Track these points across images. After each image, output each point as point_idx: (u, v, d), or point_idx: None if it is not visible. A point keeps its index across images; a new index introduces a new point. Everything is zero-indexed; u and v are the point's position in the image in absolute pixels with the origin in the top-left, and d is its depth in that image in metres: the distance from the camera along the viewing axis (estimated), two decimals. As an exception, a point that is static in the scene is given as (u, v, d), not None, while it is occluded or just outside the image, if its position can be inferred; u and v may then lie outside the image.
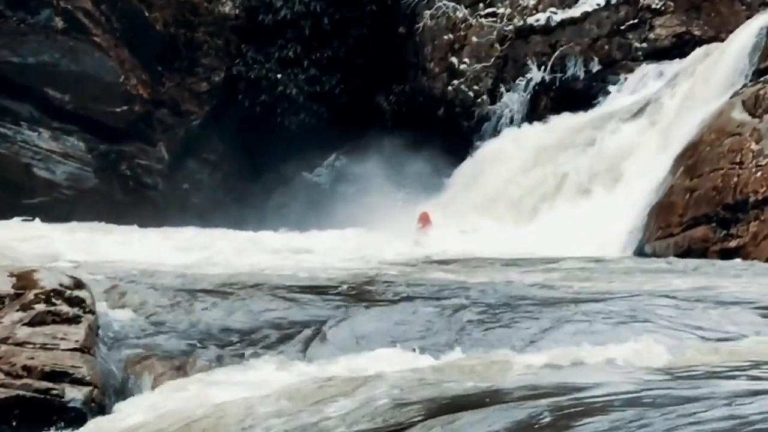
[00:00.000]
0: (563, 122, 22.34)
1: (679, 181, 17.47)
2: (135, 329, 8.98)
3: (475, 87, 24.69)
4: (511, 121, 24.02)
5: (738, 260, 15.30)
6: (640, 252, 17.36)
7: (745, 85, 18.22)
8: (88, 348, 7.98)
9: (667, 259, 15.70)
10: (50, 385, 7.56)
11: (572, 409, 5.13)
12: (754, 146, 16.64)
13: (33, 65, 24.40)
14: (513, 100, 24.11)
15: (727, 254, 15.88)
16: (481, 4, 25.21)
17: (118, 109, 25.18)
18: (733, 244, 16.14)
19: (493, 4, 25.07)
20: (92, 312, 8.43)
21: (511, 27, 24.56)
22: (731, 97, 18.00)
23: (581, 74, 23.35)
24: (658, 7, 22.97)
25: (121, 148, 25.49)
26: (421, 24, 25.79)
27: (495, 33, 24.69)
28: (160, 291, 10.20)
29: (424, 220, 21.26)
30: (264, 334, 8.73)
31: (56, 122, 24.75)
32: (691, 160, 17.48)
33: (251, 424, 5.99)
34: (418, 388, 6.18)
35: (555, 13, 23.93)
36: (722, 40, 20.96)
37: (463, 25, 25.20)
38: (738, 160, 16.67)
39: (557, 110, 22.94)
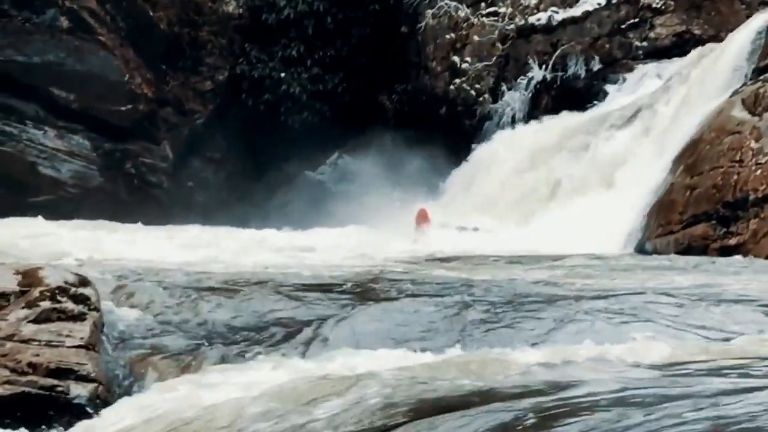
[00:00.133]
0: (559, 123, 22.37)
1: (680, 179, 17.47)
2: (139, 327, 8.91)
3: (477, 86, 24.75)
4: (513, 120, 24.07)
5: (738, 257, 15.31)
6: (640, 249, 17.36)
7: (744, 84, 18.22)
8: (93, 345, 7.95)
9: (667, 257, 15.73)
10: (55, 382, 7.52)
11: (558, 410, 5.12)
12: (753, 144, 16.63)
13: (38, 64, 24.44)
14: (514, 98, 24.14)
15: (727, 251, 15.90)
16: (482, 4, 25.27)
17: (123, 108, 25.24)
18: (733, 241, 16.16)
19: (494, 4, 25.14)
20: (97, 309, 8.40)
21: (512, 26, 24.61)
22: (731, 96, 17.98)
23: (582, 73, 23.40)
24: (659, 6, 22.99)
25: (126, 146, 25.54)
26: (423, 23, 25.87)
27: (496, 32, 24.74)
28: (165, 289, 10.09)
29: (422, 217, 21.30)
30: (266, 333, 8.62)
31: (61, 121, 24.78)
32: (692, 158, 17.48)
33: (240, 428, 5.97)
34: (409, 387, 6.16)
35: (556, 13, 23.97)
36: (722, 39, 20.95)
37: (465, 24, 25.26)
38: (738, 158, 16.66)
39: (558, 109, 22.97)
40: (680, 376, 6.06)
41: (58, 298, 8.26)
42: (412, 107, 26.38)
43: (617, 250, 17.40)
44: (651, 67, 22.30)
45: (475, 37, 25.02)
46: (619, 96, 22.16)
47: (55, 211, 22.05)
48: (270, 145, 26.17)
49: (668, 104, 20.19)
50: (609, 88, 22.60)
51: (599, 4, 23.47)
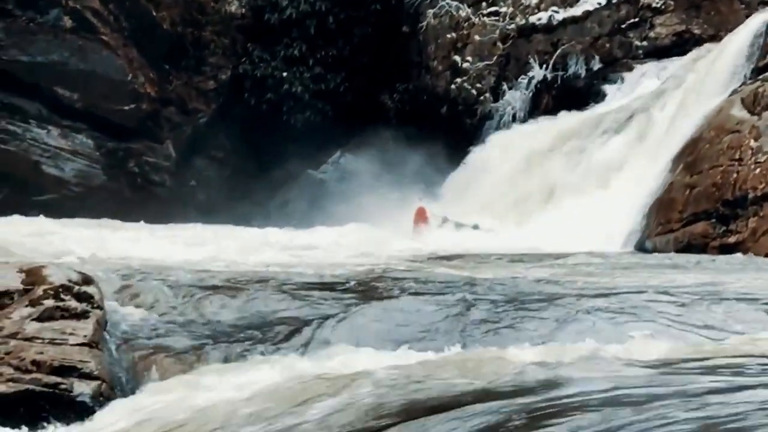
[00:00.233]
0: (554, 126, 22.40)
1: (679, 177, 17.57)
2: (142, 325, 8.91)
3: (478, 85, 24.78)
4: (514, 119, 24.10)
5: (738, 255, 15.40)
6: (640, 247, 17.46)
7: (744, 83, 18.30)
8: (96, 343, 7.95)
9: (668, 255, 15.82)
10: (59, 379, 7.55)
11: (548, 410, 5.13)
12: (753, 143, 16.74)
13: (42, 64, 24.45)
14: (515, 97, 24.19)
15: (726, 250, 16.01)
16: (483, 3, 25.29)
17: (126, 108, 25.27)
18: (732, 239, 16.28)
19: (495, 3, 25.16)
20: (100, 307, 8.39)
21: (513, 26, 24.64)
22: (730, 95, 18.07)
23: (582, 72, 23.46)
24: (659, 6, 23.01)
25: (129, 145, 25.56)
26: (424, 23, 25.91)
27: (497, 32, 24.78)
28: (169, 287, 10.09)
29: (421, 216, 21.33)
30: (268, 332, 8.65)
31: (65, 120, 24.79)
32: (691, 157, 17.57)
33: (231, 431, 6.00)
34: (403, 387, 6.17)
35: (557, 12, 23.99)
36: (721, 39, 21.01)
37: (466, 23, 25.29)
38: (737, 156, 16.78)
39: (559, 108, 23.00)
40: (674, 375, 6.07)
41: (62, 296, 8.27)
42: (413, 106, 26.40)
43: (617, 248, 17.46)
44: (650, 66, 22.32)
45: (476, 37, 25.05)
46: (618, 96, 22.17)
47: (58, 210, 22.13)
48: (272, 144, 26.16)
49: (663, 109, 20.20)
50: (608, 88, 22.61)
51: (599, 3, 23.50)
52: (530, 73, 24.09)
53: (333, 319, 8.88)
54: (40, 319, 8.01)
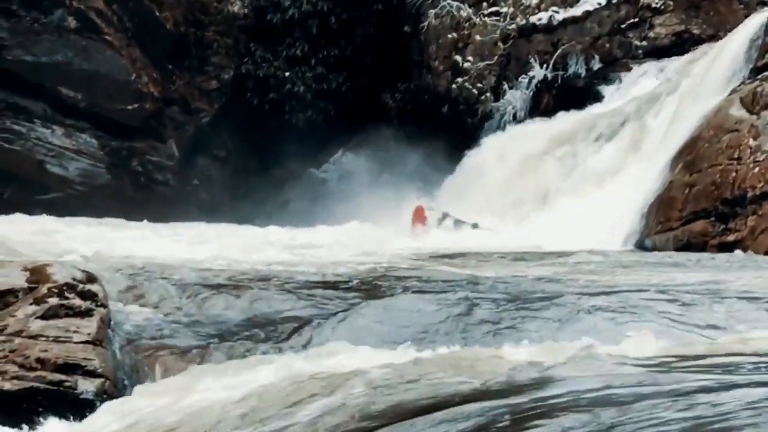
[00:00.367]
0: (549, 129, 22.47)
1: (679, 176, 17.58)
2: (146, 323, 8.95)
3: (479, 84, 24.77)
4: (515, 118, 24.13)
5: (738, 253, 15.45)
6: (640, 246, 17.47)
7: (742, 83, 18.31)
8: (100, 341, 8.01)
9: (669, 253, 15.84)
10: (63, 377, 7.63)
11: (536, 410, 5.12)
12: (751, 142, 16.75)
13: (46, 64, 24.45)
14: (516, 97, 24.17)
15: (725, 248, 16.03)
16: (484, 4, 25.25)
17: (130, 107, 25.27)
18: (731, 238, 16.30)
19: (496, 4, 25.14)
20: (104, 305, 8.44)
21: (514, 26, 24.63)
22: (729, 95, 18.08)
23: (582, 72, 23.43)
24: (658, 6, 22.99)
25: (133, 144, 25.57)
26: (425, 23, 25.89)
27: (498, 32, 24.77)
28: (172, 286, 10.13)
29: (419, 215, 21.38)
30: (270, 331, 8.67)
31: (69, 120, 24.80)
32: (690, 156, 17.58)
33: None
34: (395, 387, 6.16)
35: (557, 12, 23.97)
36: (720, 39, 21.02)
37: (467, 24, 25.26)
38: (736, 156, 16.79)
39: (560, 107, 23.01)
40: (666, 373, 6.05)
41: (66, 294, 8.32)
42: (414, 106, 26.39)
43: (618, 246, 17.48)
44: (649, 66, 22.30)
45: (477, 37, 25.03)
46: (617, 96, 22.18)
47: (62, 209, 22.21)
48: (274, 143, 26.14)
49: (658, 116, 20.20)
50: (608, 88, 22.63)
51: (599, 3, 23.47)
52: (531, 73, 24.06)
53: (334, 318, 8.91)
54: (44, 317, 8.07)
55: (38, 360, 7.70)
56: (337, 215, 22.61)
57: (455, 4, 25.46)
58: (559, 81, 23.69)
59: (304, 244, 17.95)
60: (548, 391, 5.54)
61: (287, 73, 26.78)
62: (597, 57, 23.40)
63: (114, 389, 7.78)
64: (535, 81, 24.05)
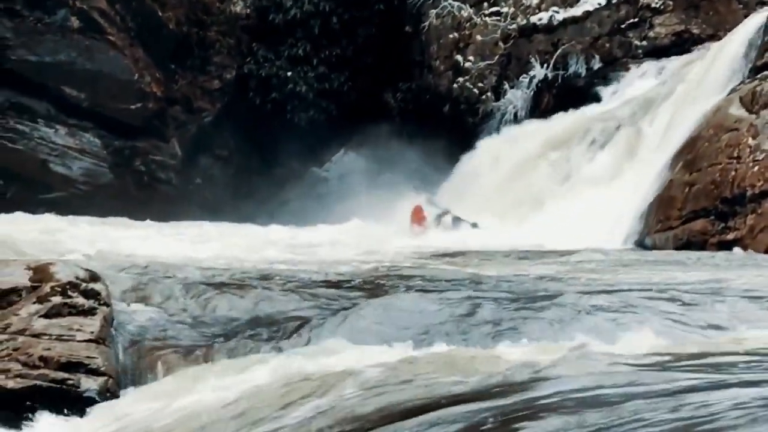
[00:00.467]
0: (543, 133, 22.50)
1: (679, 175, 17.57)
2: (148, 322, 8.97)
3: (480, 84, 24.80)
4: (515, 117, 24.17)
5: (738, 251, 15.47)
6: (640, 244, 17.47)
7: (742, 82, 18.33)
8: (103, 339, 8.06)
9: (670, 252, 15.85)
10: (66, 375, 7.68)
11: (524, 411, 5.10)
12: (751, 141, 16.75)
13: (50, 64, 24.47)
14: (517, 96, 24.18)
15: (725, 246, 16.02)
16: (485, 4, 25.26)
17: (133, 107, 25.30)
18: (730, 236, 16.29)
19: (497, 4, 25.15)
20: (107, 304, 8.48)
21: (514, 26, 24.64)
22: (729, 94, 18.09)
23: (583, 71, 23.43)
24: (658, 6, 22.99)
25: (136, 144, 25.59)
26: (427, 23, 25.91)
27: (499, 32, 24.78)
28: (175, 285, 10.08)
29: (417, 215, 21.36)
30: (272, 330, 8.67)
31: (72, 119, 24.81)
32: (690, 155, 17.58)
33: None
34: (388, 387, 6.16)
35: (557, 12, 23.98)
36: (720, 39, 21.07)
37: (468, 24, 25.27)
38: (735, 155, 16.79)
39: (560, 106, 23.04)
40: (658, 373, 6.02)
41: (69, 293, 8.36)
42: (416, 105, 26.41)
43: (618, 245, 17.48)
44: (648, 66, 22.33)
45: (478, 37, 25.05)
46: (615, 97, 22.22)
47: (66, 208, 22.24)
48: (276, 142, 26.16)
49: (653, 123, 20.19)
50: (607, 88, 22.69)
51: (599, 4, 23.48)
52: (531, 73, 24.08)
53: (336, 318, 8.87)
54: (47, 315, 8.11)
55: (41, 358, 7.74)
56: (339, 214, 22.61)
57: (456, 4, 25.48)
58: (560, 80, 23.72)
59: (305, 243, 18.02)
60: (539, 392, 5.52)
61: (289, 73, 26.80)
62: (597, 57, 23.41)
63: (117, 387, 7.83)
64: (535, 80, 24.05)
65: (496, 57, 24.85)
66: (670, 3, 22.97)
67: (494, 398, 5.49)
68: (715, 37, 21.87)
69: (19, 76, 24.20)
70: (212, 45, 27.00)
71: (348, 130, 25.93)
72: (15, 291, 8.45)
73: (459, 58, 25.29)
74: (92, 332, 8.09)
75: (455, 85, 25.20)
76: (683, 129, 18.31)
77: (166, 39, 26.14)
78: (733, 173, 16.72)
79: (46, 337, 7.94)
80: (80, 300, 8.36)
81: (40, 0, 24.48)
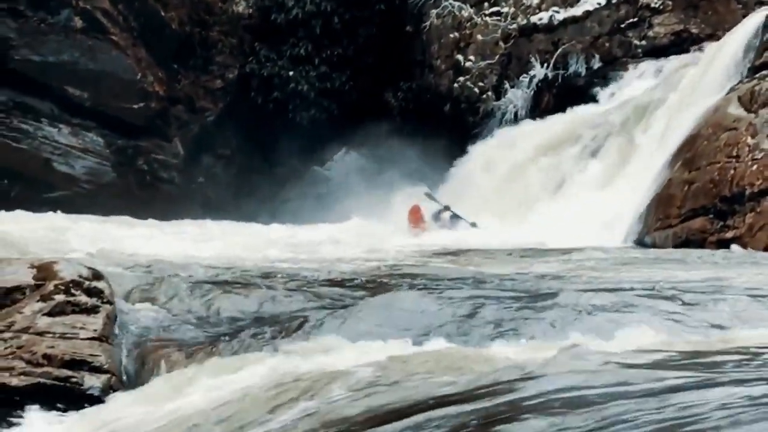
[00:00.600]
0: (544, 127, 22.58)
1: (678, 174, 17.56)
2: (150, 320, 9.04)
3: (480, 83, 24.81)
4: (516, 117, 24.21)
5: (738, 249, 15.43)
6: (640, 243, 17.45)
7: (740, 82, 18.35)
8: (106, 337, 8.14)
9: (671, 250, 15.82)
10: (70, 373, 7.74)
11: (508, 413, 5.05)
12: (749, 140, 16.73)
13: (53, 64, 24.49)
14: (517, 96, 24.19)
15: (723, 244, 15.98)
16: (486, 4, 25.29)
17: (135, 106, 25.30)
18: (729, 234, 16.26)
19: (497, 4, 25.17)
20: (110, 302, 8.56)
21: (515, 25, 24.66)
22: (728, 93, 18.10)
23: (583, 71, 23.46)
24: (657, 6, 23.01)
25: (138, 143, 25.59)
26: (427, 23, 25.95)
27: (499, 31, 24.81)
28: (178, 283, 10.18)
29: (415, 214, 21.42)
30: (273, 329, 8.62)
31: (75, 119, 24.80)
32: (689, 153, 17.57)
33: None
34: (377, 389, 6.11)
35: (557, 12, 24.00)
36: (719, 38, 21.08)
37: (469, 23, 25.30)
38: (734, 153, 16.77)
39: (560, 105, 23.07)
40: (649, 372, 5.90)
41: (72, 291, 8.44)
42: (417, 104, 26.44)
43: (618, 243, 17.49)
44: (647, 66, 22.36)
45: (479, 36, 25.07)
46: (613, 98, 22.24)
47: (69, 207, 22.24)
48: (278, 141, 26.19)
49: (646, 133, 20.17)
50: (607, 88, 22.76)
51: (599, 3, 23.49)
52: (531, 72, 24.11)
53: (337, 317, 8.80)
54: (51, 313, 8.18)
55: (45, 356, 7.81)
56: (340, 213, 22.63)
57: (457, 4, 25.50)
58: (560, 80, 23.76)
59: (307, 242, 18.06)
60: (528, 392, 5.48)
61: (291, 73, 26.84)
62: (597, 56, 23.42)
63: (120, 385, 7.88)
64: (536, 80, 24.07)
65: (497, 56, 24.86)
66: (669, 3, 22.98)
67: (482, 399, 5.44)
68: (714, 36, 21.88)
69: (23, 76, 24.20)
70: (215, 45, 27.02)
71: (349, 130, 25.90)
72: (19, 289, 8.52)
73: (460, 57, 25.31)
74: (95, 330, 8.16)
75: (456, 85, 25.22)
76: (682, 131, 18.30)
77: (168, 39, 26.16)
78: (732, 172, 16.69)
79: (50, 335, 7.99)
80: (83, 298, 8.42)
81: (43, 0, 24.50)
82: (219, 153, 27.14)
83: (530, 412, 4.98)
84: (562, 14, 23.91)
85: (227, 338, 8.46)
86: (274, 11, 27.14)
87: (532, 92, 24.10)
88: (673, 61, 21.98)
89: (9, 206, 21.28)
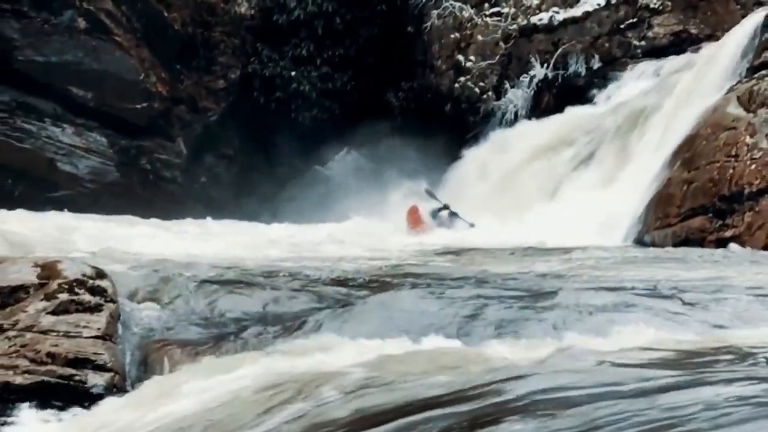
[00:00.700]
0: (541, 128, 22.61)
1: (677, 173, 17.58)
2: (155, 319, 9.05)
3: (481, 84, 24.86)
4: (516, 116, 24.26)
5: (738, 248, 15.48)
6: (639, 242, 17.47)
7: (739, 81, 18.40)
8: (110, 335, 8.14)
9: (667, 249, 15.82)
10: (73, 371, 7.74)
11: (493, 415, 5.03)
12: (748, 140, 16.75)
13: (57, 64, 24.50)
14: (517, 96, 24.25)
15: (722, 243, 16.02)
16: (486, 4, 25.35)
17: (139, 106, 25.33)
18: (728, 233, 16.27)
19: (497, 4, 25.21)
20: (113, 301, 8.55)
21: (515, 26, 24.70)
22: (727, 93, 18.14)
23: (583, 71, 23.49)
24: (656, 6, 23.05)
25: (141, 143, 25.61)
26: (428, 23, 25.99)
27: (500, 32, 24.85)
28: (181, 282, 10.17)
29: (413, 215, 21.45)
30: (274, 329, 8.61)
31: (79, 118, 24.81)
32: (689, 153, 17.59)
33: None
34: (370, 388, 6.09)
35: (557, 13, 24.04)
36: (718, 39, 21.13)
37: (469, 24, 25.34)
38: (733, 153, 16.78)
39: (560, 105, 23.11)
40: (641, 371, 5.93)
41: (76, 290, 8.43)
42: (418, 104, 26.50)
43: (618, 242, 17.49)
44: (646, 66, 22.42)
45: (479, 37, 25.12)
46: (611, 99, 22.29)
47: (72, 206, 22.33)
48: (280, 141, 26.30)
49: (641, 140, 20.15)
50: (599, 95, 22.82)
51: (599, 4, 23.53)
52: (532, 72, 24.16)
53: (338, 316, 8.79)
54: (55, 312, 8.18)
55: (49, 354, 7.80)
56: (341, 212, 22.65)
57: (457, 4, 25.55)
58: (560, 80, 23.81)
59: (309, 241, 18.10)
60: (519, 392, 5.48)
61: (293, 73, 26.91)
62: (597, 56, 23.46)
63: (123, 383, 7.90)
64: (536, 80, 24.11)
65: (497, 57, 24.90)
66: (669, 3, 23.02)
67: (474, 400, 5.42)
68: (713, 37, 21.91)
69: (26, 77, 24.23)
70: (217, 45, 27.06)
71: (350, 129, 25.93)
72: (23, 288, 8.52)
73: (460, 57, 25.35)
74: (99, 329, 8.15)
75: (456, 85, 25.26)
76: (681, 131, 18.34)
77: (171, 39, 26.20)
78: (731, 171, 16.71)
79: (54, 334, 7.98)
80: (87, 297, 8.42)
81: (46, 1, 24.52)
82: (221, 153, 27.17)
83: (520, 413, 4.98)
84: (562, 15, 23.94)
85: (230, 338, 8.44)
86: (276, 12, 27.20)
87: (533, 92, 24.17)
88: (672, 62, 22.03)
89: (13, 205, 21.28)
